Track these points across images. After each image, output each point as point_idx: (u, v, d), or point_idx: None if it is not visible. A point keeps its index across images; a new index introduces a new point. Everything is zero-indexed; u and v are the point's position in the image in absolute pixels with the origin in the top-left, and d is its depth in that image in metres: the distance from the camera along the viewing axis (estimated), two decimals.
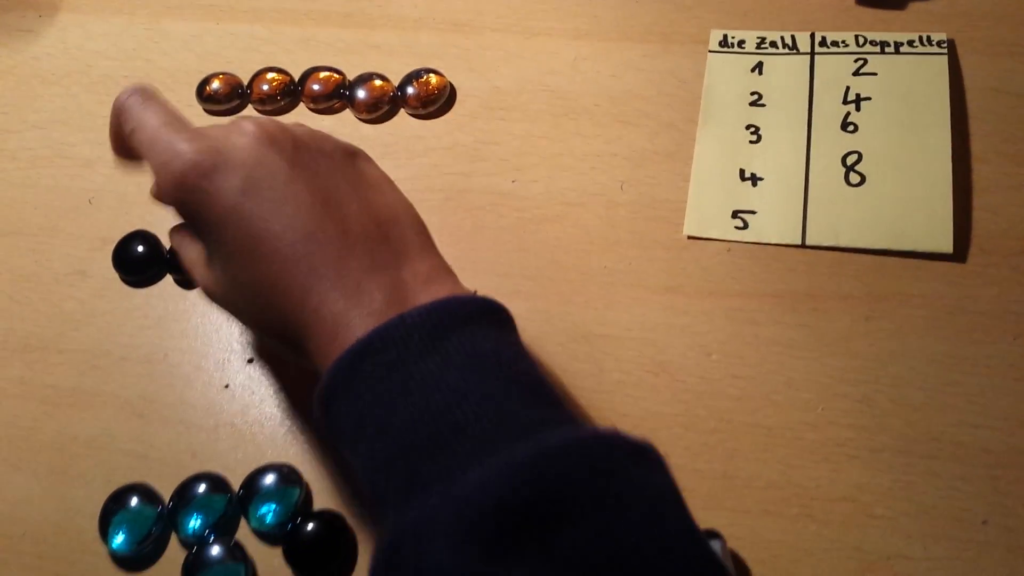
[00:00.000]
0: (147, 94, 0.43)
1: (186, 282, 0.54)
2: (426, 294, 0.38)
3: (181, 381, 0.51)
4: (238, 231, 0.38)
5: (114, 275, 0.55)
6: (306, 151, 0.40)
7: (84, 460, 0.49)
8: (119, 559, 0.47)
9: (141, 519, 0.47)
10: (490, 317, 0.38)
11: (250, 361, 0.51)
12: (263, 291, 0.38)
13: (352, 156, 0.43)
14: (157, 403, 0.51)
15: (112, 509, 0.47)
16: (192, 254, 0.43)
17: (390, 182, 0.43)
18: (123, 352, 0.52)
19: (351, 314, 0.37)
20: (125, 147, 0.43)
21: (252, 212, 0.38)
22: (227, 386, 0.51)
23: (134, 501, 0.47)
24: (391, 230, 0.40)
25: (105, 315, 0.54)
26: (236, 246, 0.38)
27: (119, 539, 0.46)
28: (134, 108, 0.42)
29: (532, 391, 0.36)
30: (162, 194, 0.40)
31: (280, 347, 0.41)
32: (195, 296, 0.54)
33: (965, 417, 0.45)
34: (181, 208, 0.40)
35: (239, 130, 0.40)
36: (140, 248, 0.55)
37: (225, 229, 0.38)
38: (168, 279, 0.55)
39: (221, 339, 0.52)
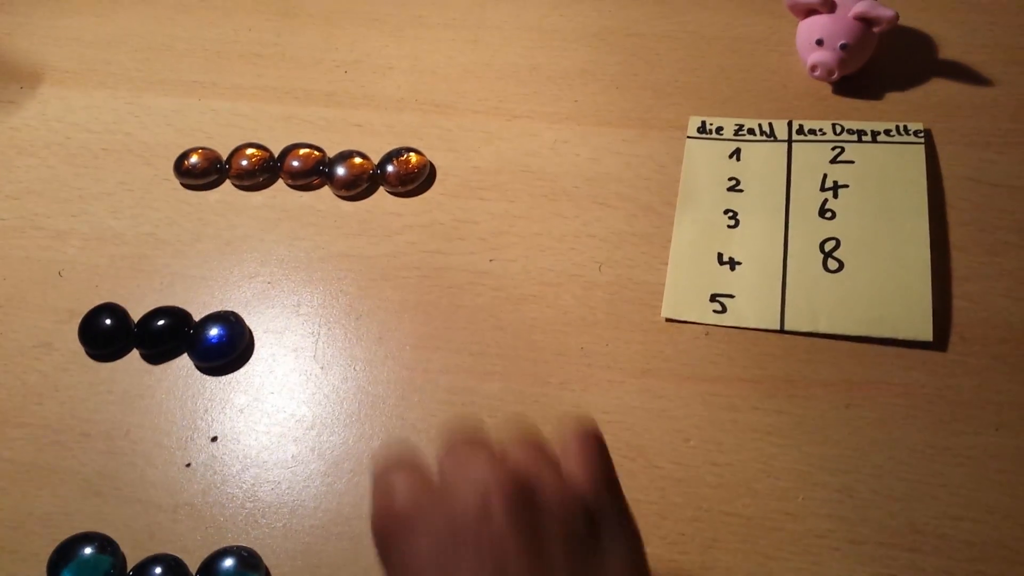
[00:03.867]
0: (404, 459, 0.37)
1: (152, 357, 0.53)
2: None
3: (142, 459, 0.49)
4: None
5: (80, 348, 0.54)
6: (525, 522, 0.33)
7: (37, 539, 0.47)
8: None
9: None
10: None
11: (214, 439, 0.50)
12: None
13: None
14: (117, 481, 0.49)
15: None
16: None
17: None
18: (84, 427, 0.51)
19: None
20: None
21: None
22: (189, 465, 0.49)
23: None
24: None
25: (68, 389, 0.52)
26: None
27: None
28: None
29: None
30: None
31: None
32: (160, 371, 0.53)
33: (948, 509, 0.44)
34: None
35: (470, 489, 0.34)
36: (108, 321, 0.54)
37: None
38: (134, 353, 0.53)
39: (185, 416, 0.51)
